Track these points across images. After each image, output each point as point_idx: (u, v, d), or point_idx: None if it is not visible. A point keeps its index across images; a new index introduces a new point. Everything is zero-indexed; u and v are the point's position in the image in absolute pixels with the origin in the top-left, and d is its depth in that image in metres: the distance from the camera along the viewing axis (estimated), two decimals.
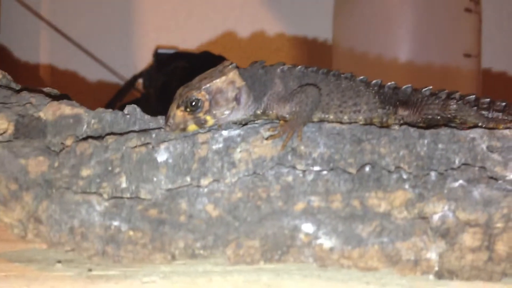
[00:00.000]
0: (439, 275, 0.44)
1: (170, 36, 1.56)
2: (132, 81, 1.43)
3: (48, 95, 0.53)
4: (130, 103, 1.44)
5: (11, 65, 1.51)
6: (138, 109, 0.54)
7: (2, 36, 1.46)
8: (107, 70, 1.53)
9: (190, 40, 1.54)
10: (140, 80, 1.42)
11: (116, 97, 1.41)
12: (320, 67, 0.55)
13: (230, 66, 0.51)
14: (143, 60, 1.53)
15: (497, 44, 1.58)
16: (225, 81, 0.50)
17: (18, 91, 0.53)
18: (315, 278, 0.47)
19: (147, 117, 0.54)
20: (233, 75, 0.50)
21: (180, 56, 1.37)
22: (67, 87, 1.52)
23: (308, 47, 1.57)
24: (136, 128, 0.52)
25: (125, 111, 0.54)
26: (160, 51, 1.39)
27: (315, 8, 1.53)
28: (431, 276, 0.45)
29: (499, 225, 0.44)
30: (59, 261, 0.50)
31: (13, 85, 0.57)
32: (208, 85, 0.50)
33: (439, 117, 0.54)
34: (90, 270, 0.48)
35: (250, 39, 1.57)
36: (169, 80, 1.32)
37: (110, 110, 0.54)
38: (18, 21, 1.51)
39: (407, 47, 1.27)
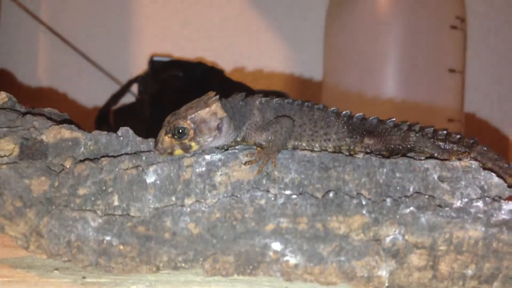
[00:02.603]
0: None
1: (166, 44, 1.61)
2: (126, 86, 1.48)
3: (49, 118, 0.59)
4: (124, 106, 1.49)
5: (9, 67, 1.56)
6: (130, 131, 0.60)
7: (1, 39, 1.52)
8: (103, 74, 1.57)
9: (185, 48, 1.60)
10: (135, 85, 1.47)
11: (110, 101, 1.46)
12: (295, 99, 0.61)
13: (213, 98, 0.57)
14: (139, 65, 1.58)
15: (482, 61, 1.64)
16: (209, 112, 0.56)
17: (23, 114, 0.59)
18: None
19: (138, 139, 0.60)
20: (215, 107, 0.56)
21: (175, 65, 1.41)
22: (64, 89, 1.58)
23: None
24: (129, 149, 0.58)
25: (119, 133, 0.60)
26: (155, 58, 1.44)
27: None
28: None
29: (442, 247, 0.50)
30: (56, 269, 0.56)
31: (18, 106, 0.62)
32: (193, 115, 0.56)
33: (400, 147, 0.60)
34: (84, 277, 0.54)
35: (244, 47, 1.62)
36: (164, 88, 1.37)
37: (105, 132, 0.59)
38: (17, 24, 1.56)
39: (393, 62, 1.33)
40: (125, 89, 1.49)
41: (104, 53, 1.58)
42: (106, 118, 1.43)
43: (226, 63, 1.55)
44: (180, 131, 0.55)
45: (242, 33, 1.61)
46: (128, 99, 1.48)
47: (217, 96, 0.57)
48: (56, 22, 1.56)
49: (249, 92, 1.38)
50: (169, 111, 1.41)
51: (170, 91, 1.36)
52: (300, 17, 1.61)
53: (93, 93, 1.58)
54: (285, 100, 0.60)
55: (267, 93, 1.35)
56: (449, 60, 1.37)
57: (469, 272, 0.50)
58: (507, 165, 0.60)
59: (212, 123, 0.56)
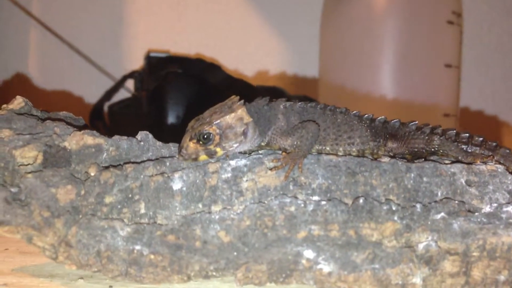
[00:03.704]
0: None
1: (160, 38, 1.59)
2: (121, 82, 1.46)
3: (68, 123, 0.58)
4: (120, 102, 1.46)
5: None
6: (150, 136, 0.59)
7: None
8: (96, 69, 1.55)
9: (180, 43, 1.58)
10: (130, 81, 1.45)
11: (105, 97, 1.44)
12: (318, 102, 0.60)
13: (238, 103, 0.56)
14: (133, 60, 1.56)
15: (477, 55, 1.65)
16: (234, 118, 0.55)
17: (42, 120, 0.58)
18: None
19: (159, 143, 0.59)
20: (241, 112, 0.55)
21: (172, 61, 1.39)
22: (56, 85, 1.55)
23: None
24: (150, 154, 0.57)
25: (139, 137, 0.58)
26: (152, 54, 1.41)
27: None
28: None
29: (475, 254, 0.50)
30: (81, 277, 0.55)
31: (34, 111, 0.61)
32: (218, 120, 0.55)
33: (424, 150, 0.60)
34: (111, 286, 0.53)
35: (240, 43, 1.60)
36: (161, 85, 1.35)
37: (126, 137, 0.58)
38: (8, 18, 1.53)
39: (390, 57, 1.33)
40: (119, 84, 1.47)
41: (97, 48, 1.56)
42: (101, 114, 1.41)
43: (222, 59, 1.54)
44: (205, 136, 0.54)
45: (238, 29, 1.60)
46: (123, 95, 1.47)
47: (242, 101, 0.57)
48: (47, 16, 1.54)
49: (251, 88, 1.36)
50: (168, 108, 1.38)
51: (168, 88, 1.34)
52: (296, 13, 1.60)
53: (86, 89, 1.56)
54: (308, 104, 0.59)
55: (265, 90, 1.34)
56: (445, 55, 1.37)
57: (502, 277, 0.51)
58: None
59: (237, 129, 0.55)
